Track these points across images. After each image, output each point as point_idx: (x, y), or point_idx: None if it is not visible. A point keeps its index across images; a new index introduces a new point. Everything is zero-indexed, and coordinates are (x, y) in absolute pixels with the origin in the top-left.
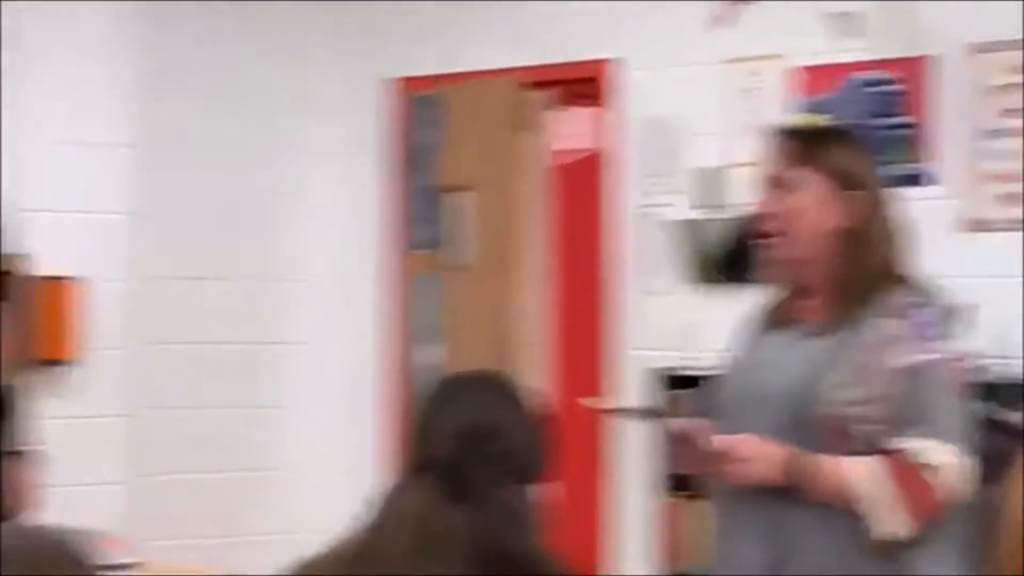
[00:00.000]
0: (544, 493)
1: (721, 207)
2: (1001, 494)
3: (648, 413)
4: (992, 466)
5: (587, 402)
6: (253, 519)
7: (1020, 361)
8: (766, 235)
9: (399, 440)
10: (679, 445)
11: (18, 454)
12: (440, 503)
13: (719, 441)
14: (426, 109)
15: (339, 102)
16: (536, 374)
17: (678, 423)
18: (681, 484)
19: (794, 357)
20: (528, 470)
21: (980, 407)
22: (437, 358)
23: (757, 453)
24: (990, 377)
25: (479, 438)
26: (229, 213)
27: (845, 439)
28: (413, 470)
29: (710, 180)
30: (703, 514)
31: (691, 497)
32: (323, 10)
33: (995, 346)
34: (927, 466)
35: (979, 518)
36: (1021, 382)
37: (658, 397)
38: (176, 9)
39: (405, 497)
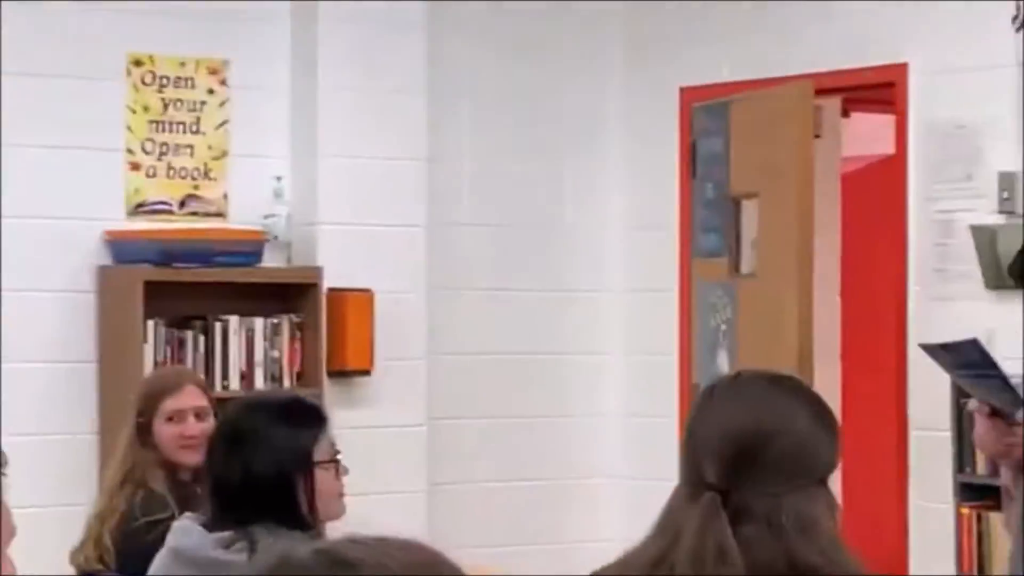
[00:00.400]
0: (833, 494)
1: (1021, 212)
2: None
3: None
4: None
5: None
6: (550, 528)
7: None
8: None
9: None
10: (989, 421)
11: (329, 463)
12: (719, 522)
13: None
14: (715, 117)
15: (631, 112)
16: (828, 381)
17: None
18: (983, 493)
19: None
20: (812, 472)
21: None
22: (729, 366)
23: None
24: None
25: (753, 444)
26: (521, 224)
27: None
28: (690, 484)
29: (1010, 184)
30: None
31: (992, 507)
32: (614, 21)
33: None
34: None
35: None
36: None
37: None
38: (464, 22)
39: (686, 516)
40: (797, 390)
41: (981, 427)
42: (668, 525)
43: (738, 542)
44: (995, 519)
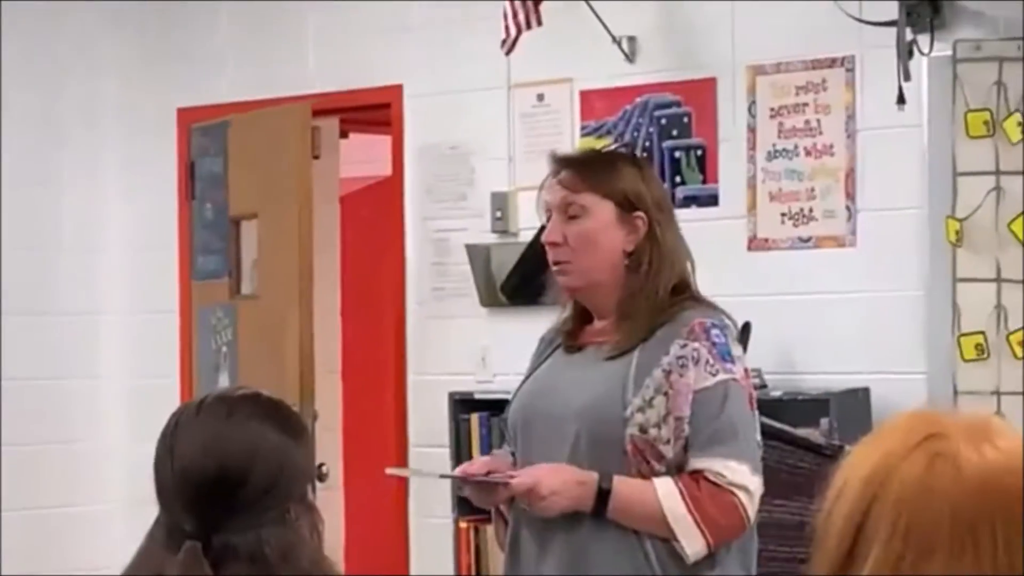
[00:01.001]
0: (316, 507)
1: (513, 231)
2: (806, 510)
3: (446, 476)
4: (780, 481)
5: (390, 471)
6: (57, 557)
7: (802, 377)
8: (556, 263)
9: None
10: (479, 490)
11: None
12: (201, 571)
13: (519, 482)
14: (213, 137)
15: (129, 131)
16: (329, 399)
17: (474, 470)
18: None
19: (590, 379)
20: (291, 493)
21: (766, 423)
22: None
23: (561, 485)
24: (776, 394)
25: (224, 487)
26: (21, 243)
27: (646, 460)
28: (168, 529)
29: (502, 204)
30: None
31: (488, 520)
32: (114, 40)
33: (778, 362)
34: (727, 486)
35: (779, 534)
36: (807, 398)
37: (454, 431)
38: None
39: (167, 566)
40: (258, 410)
41: (472, 490)
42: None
43: None
44: (490, 532)
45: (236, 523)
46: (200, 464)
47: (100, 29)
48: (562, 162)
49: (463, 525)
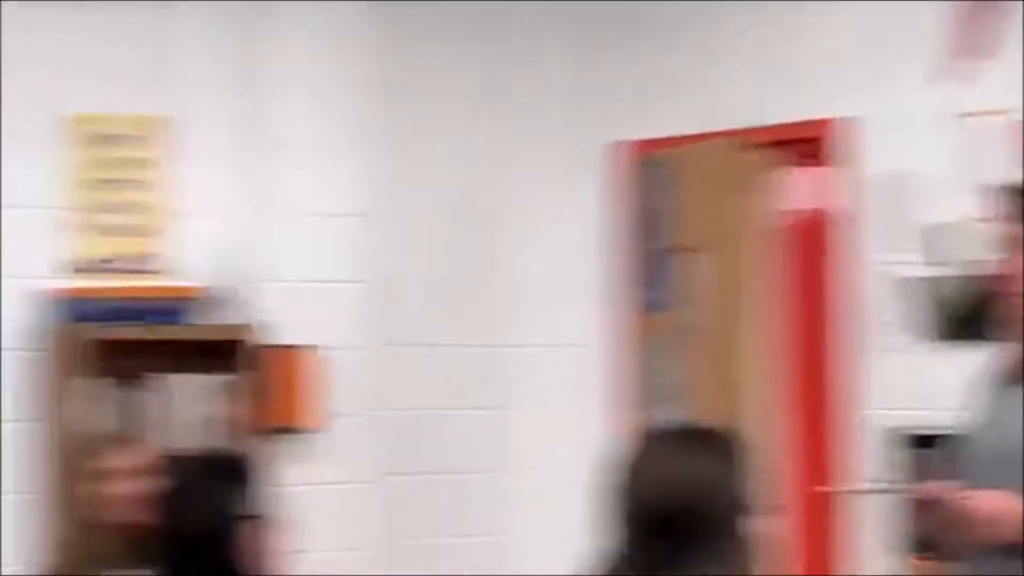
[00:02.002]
0: (760, 549)
1: (956, 263)
2: None
3: (887, 490)
4: None
5: (824, 489)
6: None
7: None
8: (1007, 295)
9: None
10: (926, 509)
11: (255, 518)
12: None
13: (971, 502)
14: (653, 172)
15: (565, 166)
16: (770, 436)
17: (925, 487)
18: (928, 545)
19: None
20: (731, 533)
21: None
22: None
23: (1011, 513)
24: None
25: (677, 516)
26: (459, 279)
27: None
28: (620, 561)
29: (944, 236)
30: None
31: (938, 559)
32: (549, 75)
33: None
34: None
35: None
36: None
37: (894, 466)
38: (407, 79)
39: None
40: (715, 445)
41: (920, 513)
42: None
43: None
44: (941, 571)
45: (681, 560)
46: (657, 499)
47: (550, 65)
48: (1011, 193)
49: (910, 563)
